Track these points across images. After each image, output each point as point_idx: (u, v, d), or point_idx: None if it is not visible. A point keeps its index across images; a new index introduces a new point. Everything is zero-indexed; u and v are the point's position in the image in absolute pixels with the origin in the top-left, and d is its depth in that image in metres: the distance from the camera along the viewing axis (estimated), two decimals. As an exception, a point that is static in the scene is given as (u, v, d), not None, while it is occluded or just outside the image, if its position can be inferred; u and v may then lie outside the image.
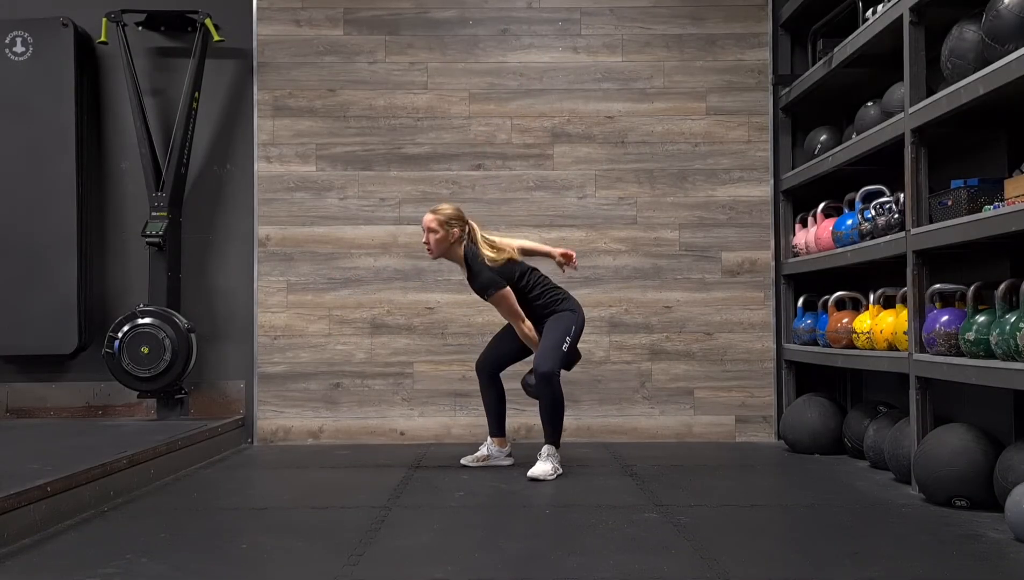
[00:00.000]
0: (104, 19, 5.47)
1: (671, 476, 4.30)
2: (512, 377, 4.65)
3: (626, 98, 5.63)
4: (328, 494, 4.00)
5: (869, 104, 4.60)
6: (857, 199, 4.53)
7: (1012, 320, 3.22)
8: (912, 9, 3.89)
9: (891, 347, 4.18)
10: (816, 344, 5.06)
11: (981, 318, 3.44)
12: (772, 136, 5.62)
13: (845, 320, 4.66)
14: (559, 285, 4.51)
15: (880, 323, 4.26)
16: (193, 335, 5.37)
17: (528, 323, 4.37)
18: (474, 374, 4.66)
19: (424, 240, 4.40)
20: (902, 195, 4.07)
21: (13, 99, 5.46)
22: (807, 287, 5.37)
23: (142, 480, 4.06)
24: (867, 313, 4.45)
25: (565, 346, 4.31)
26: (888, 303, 4.38)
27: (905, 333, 4.00)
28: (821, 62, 4.97)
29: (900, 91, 4.11)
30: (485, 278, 4.31)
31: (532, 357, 4.37)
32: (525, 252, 4.58)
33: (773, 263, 5.59)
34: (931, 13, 3.88)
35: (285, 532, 3.24)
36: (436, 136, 5.61)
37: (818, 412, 4.95)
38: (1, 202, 5.45)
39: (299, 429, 5.54)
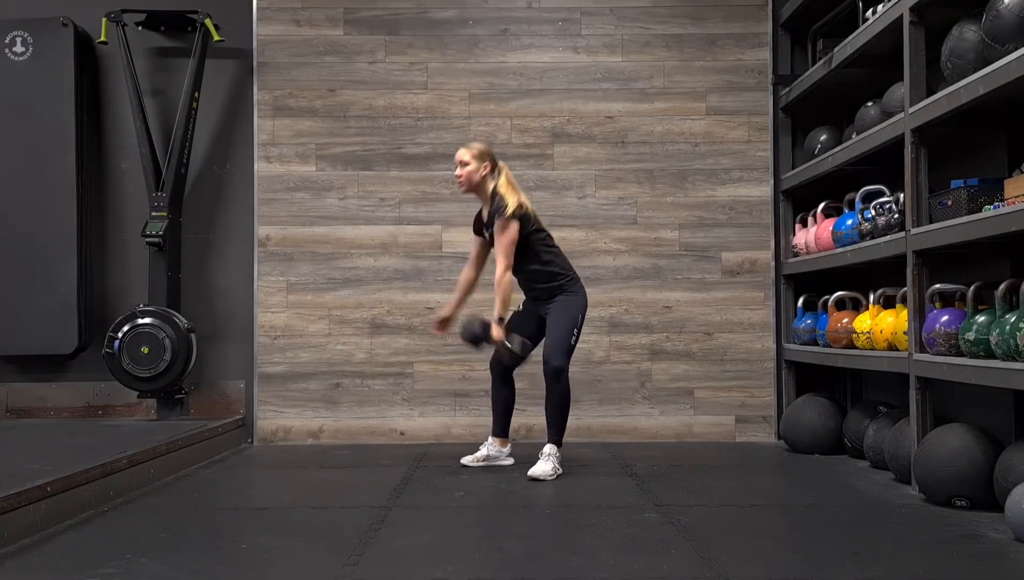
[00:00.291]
0: (104, 19, 5.47)
1: (671, 476, 4.30)
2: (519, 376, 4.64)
3: (626, 98, 5.63)
4: (328, 494, 4.00)
5: (869, 104, 4.60)
6: (857, 199, 4.53)
7: (1012, 320, 3.22)
8: (912, 9, 3.89)
9: (891, 347, 4.18)
10: (816, 344, 5.06)
11: (981, 318, 3.44)
12: (772, 136, 5.62)
13: (845, 320, 4.66)
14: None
15: (880, 323, 4.26)
16: (193, 335, 5.37)
17: (510, 274, 4.32)
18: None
19: (456, 173, 4.45)
20: (902, 195, 4.07)
21: (13, 99, 5.46)
22: (807, 287, 5.37)
23: (142, 480, 4.06)
24: (867, 313, 4.45)
25: (573, 339, 4.34)
26: (888, 303, 4.38)
27: (905, 333, 4.00)
28: (821, 62, 4.97)
29: (900, 91, 4.11)
30: (504, 202, 4.31)
31: (542, 351, 4.34)
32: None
33: (773, 263, 5.59)
34: (931, 13, 3.88)
35: (285, 532, 3.24)
36: (436, 136, 5.61)
37: (818, 412, 4.95)
38: (1, 202, 5.45)
39: (299, 429, 5.54)
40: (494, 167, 4.45)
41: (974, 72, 3.43)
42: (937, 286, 3.79)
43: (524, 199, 4.40)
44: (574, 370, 4.63)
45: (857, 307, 4.77)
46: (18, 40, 5.47)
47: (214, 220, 5.68)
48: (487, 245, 4.60)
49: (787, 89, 5.52)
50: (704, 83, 5.64)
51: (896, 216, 4.15)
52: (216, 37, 5.51)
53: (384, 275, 5.58)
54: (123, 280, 5.65)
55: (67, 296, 5.41)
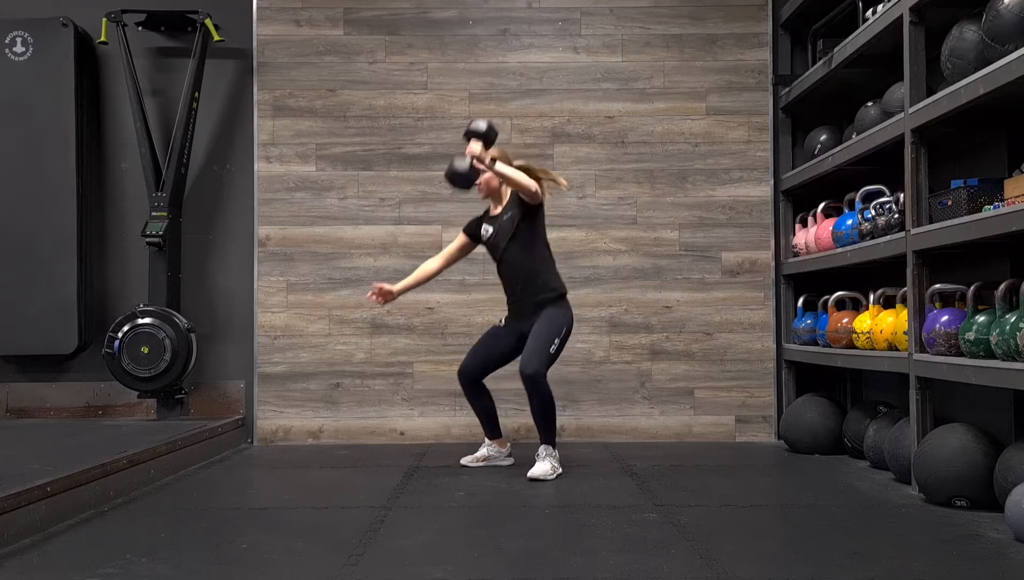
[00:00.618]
0: (104, 19, 5.47)
1: (671, 476, 4.30)
2: (493, 379, 4.64)
3: (626, 98, 5.64)
4: (328, 494, 4.00)
5: (869, 104, 4.59)
6: (857, 199, 4.53)
7: (1012, 320, 3.22)
8: (912, 9, 3.89)
9: (891, 347, 4.18)
10: (816, 344, 5.06)
11: (981, 318, 3.44)
12: (772, 136, 5.62)
13: (845, 320, 4.66)
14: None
15: (880, 323, 4.26)
16: (193, 335, 5.37)
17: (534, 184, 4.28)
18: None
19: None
20: (902, 195, 4.07)
21: (13, 99, 5.46)
22: (807, 287, 5.37)
23: (142, 480, 4.06)
24: (867, 313, 4.45)
25: (553, 348, 4.28)
26: (888, 303, 4.38)
27: (905, 333, 4.00)
28: (821, 62, 4.97)
29: (900, 91, 4.11)
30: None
31: (519, 361, 4.32)
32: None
33: (773, 263, 5.59)
34: (931, 13, 3.88)
35: (285, 532, 3.24)
36: (436, 136, 5.61)
37: (818, 412, 4.95)
38: (1, 202, 5.45)
39: (299, 429, 5.54)
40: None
41: (974, 72, 3.43)
42: (937, 286, 3.79)
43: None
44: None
45: (857, 307, 4.77)
46: (18, 40, 5.47)
47: (214, 220, 5.68)
48: (467, 249, 4.61)
49: (787, 89, 5.52)
50: (704, 83, 5.64)
51: (896, 216, 4.15)
52: (216, 37, 5.51)
53: (384, 275, 5.57)
54: (123, 280, 5.65)
55: (67, 296, 5.41)
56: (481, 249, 4.63)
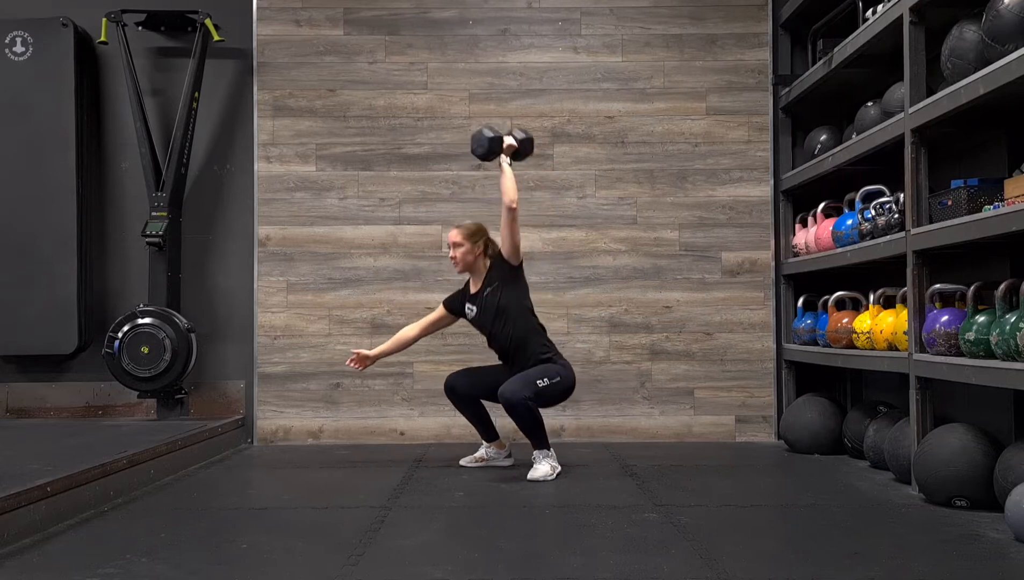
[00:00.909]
0: (104, 19, 5.47)
1: (671, 476, 4.30)
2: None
3: (626, 98, 5.63)
4: (328, 494, 4.00)
5: (869, 104, 4.59)
6: (857, 199, 4.53)
7: (1012, 320, 3.22)
8: (912, 9, 3.89)
9: (891, 347, 4.18)
10: (816, 344, 5.06)
11: (981, 318, 3.44)
12: (772, 136, 5.62)
13: (845, 320, 4.66)
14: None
15: (880, 323, 4.26)
16: (193, 335, 5.37)
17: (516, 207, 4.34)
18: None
19: (451, 255, 4.48)
20: (902, 195, 4.07)
21: (13, 99, 5.46)
22: (807, 287, 5.37)
23: (142, 480, 4.06)
24: (867, 313, 4.45)
25: (541, 383, 4.24)
26: (888, 303, 4.38)
27: (905, 333, 4.00)
28: (821, 62, 4.97)
29: (900, 91, 4.11)
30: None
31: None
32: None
33: (773, 263, 5.59)
34: (931, 13, 3.88)
35: (285, 532, 3.24)
36: (436, 136, 5.61)
37: (818, 412, 4.95)
38: (1, 202, 5.45)
39: (299, 429, 5.54)
40: (487, 246, 4.45)
41: (974, 72, 3.43)
42: (937, 286, 3.79)
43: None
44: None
45: (857, 307, 4.77)
46: (18, 40, 5.47)
47: (214, 220, 5.68)
48: (447, 323, 4.65)
49: (787, 89, 5.52)
50: (704, 83, 5.64)
51: (896, 216, 4.15)
52: (216, 37, 5.51)
53: (384, 275, 5.58)
54: (123, 280, 5.65)
55: (67, 296, 5.41)
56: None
